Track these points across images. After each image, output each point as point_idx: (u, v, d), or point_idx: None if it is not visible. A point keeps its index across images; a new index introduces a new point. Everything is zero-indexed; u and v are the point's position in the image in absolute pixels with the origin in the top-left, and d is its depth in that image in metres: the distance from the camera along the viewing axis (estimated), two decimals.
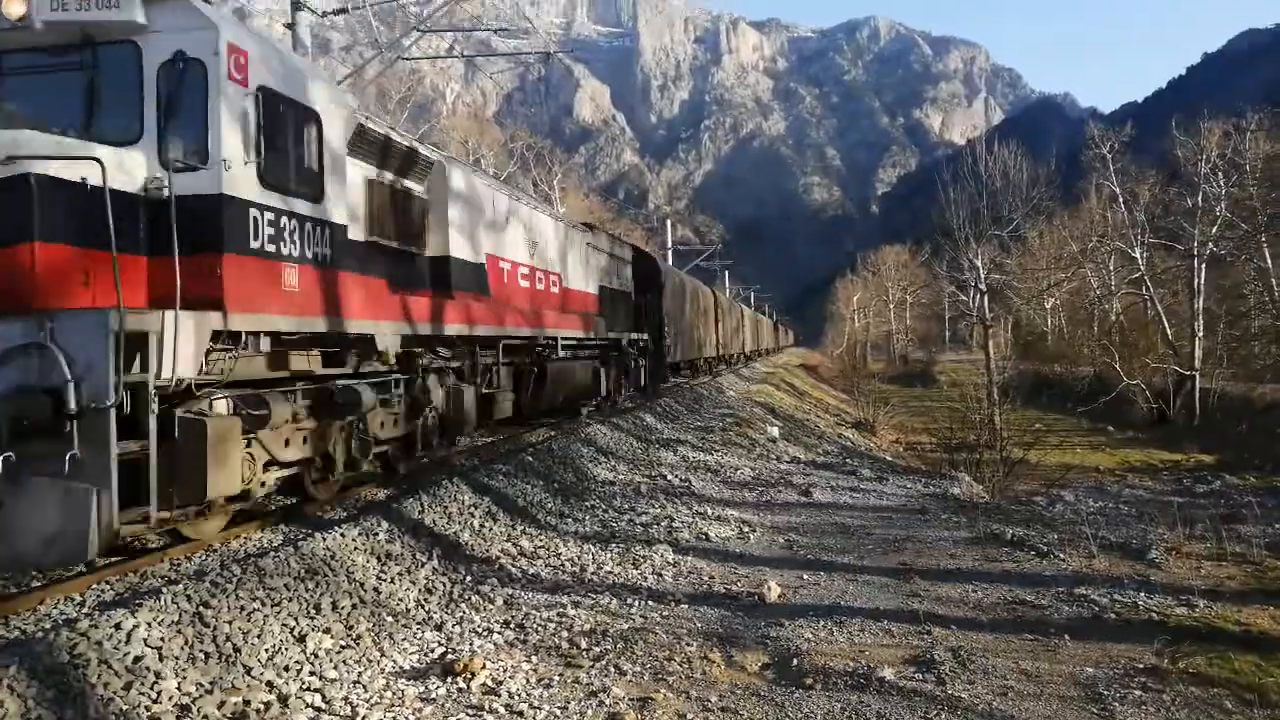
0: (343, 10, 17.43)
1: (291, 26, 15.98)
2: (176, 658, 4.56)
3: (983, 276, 38.55)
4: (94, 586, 5.83)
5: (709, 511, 10.05)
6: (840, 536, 9.21)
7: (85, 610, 5.24)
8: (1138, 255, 44.50)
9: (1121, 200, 46.97)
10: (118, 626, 4.55)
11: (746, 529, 9.32)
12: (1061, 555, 8.27)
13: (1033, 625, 6.22)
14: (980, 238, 38.67)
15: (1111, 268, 50.07)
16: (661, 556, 7.93)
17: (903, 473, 15.69)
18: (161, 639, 4.63)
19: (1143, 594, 6.92)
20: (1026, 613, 6.54)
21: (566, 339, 14.92)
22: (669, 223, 62.94)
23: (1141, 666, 5.41)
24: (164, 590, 5.13)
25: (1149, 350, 41.68)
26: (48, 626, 4.88)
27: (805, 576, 7.51)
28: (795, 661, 5.42)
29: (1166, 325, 43.25)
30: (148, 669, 4.37)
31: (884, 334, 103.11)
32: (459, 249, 10.82)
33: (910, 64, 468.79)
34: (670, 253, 53.83)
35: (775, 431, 20.53)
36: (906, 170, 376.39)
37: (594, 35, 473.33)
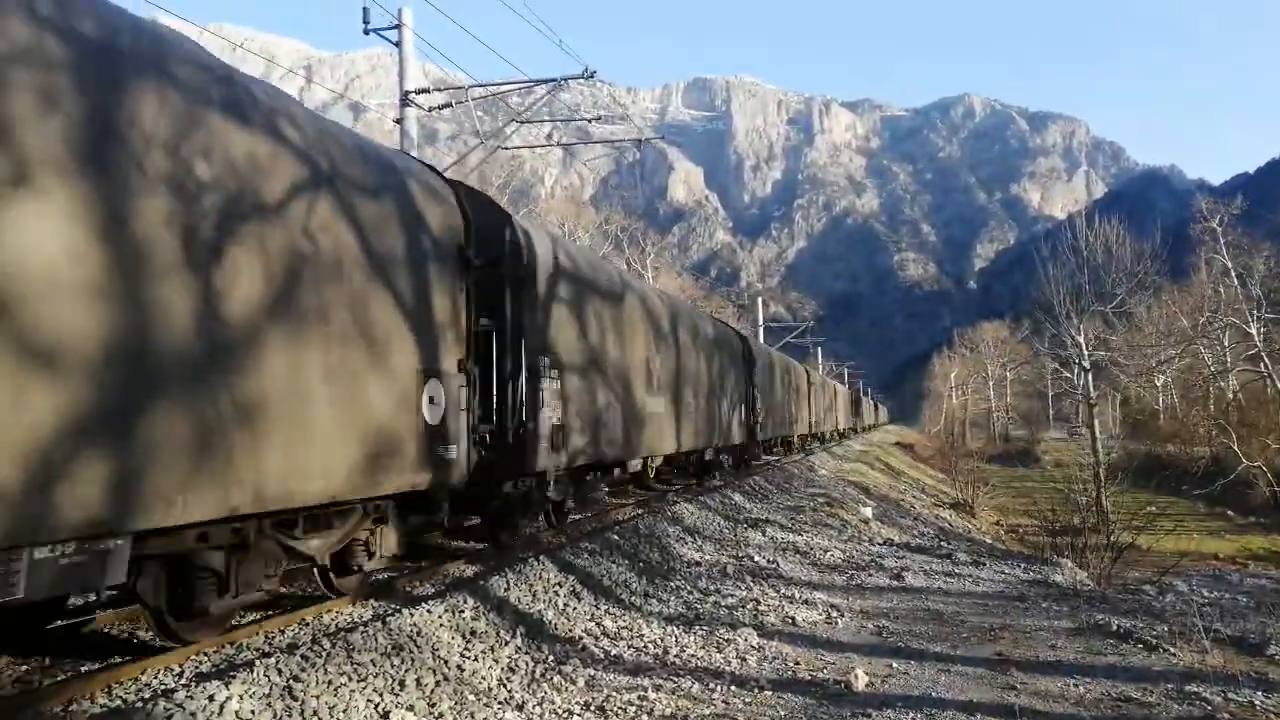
0: (447, 105, 18.33)
1: (400, 121, 16.93)
2: None
3: (1086, 353, 37.37)
4: (193, 658, 6.04)
5: (796, 595, 9.85)
6: (933, 623, 8.90)
7: (183, 681, 5.44)
8: (1254, 331, 42.58)
9: (1235, 274, 45.19)
10: (211, 698, 4.71)
11: (835, 613, 9.10)
12: (1172, 649, 7.82)
13: None
14: (1082, 313, 37.65)
15: (1226, 344, 48.01)
16: (746, 640, 7.80)
17: (1002, 557, 15.10)
18: (252, 711, 4.77)
19: (1260, 693, 6.48)
20: (1132, 710, 6.19)
21: None
22: (760, 300, 62.99)
23: None
24: (257, 663, 5.30)
25: (1270, 430, 39.50)
26: (146, 696, 5.07)
27: (895, 665, 7.28)
28: None
29: None
30: None
31: (983, 411, 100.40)
32: None
33: (1007, 139, 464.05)
34: (762, 330, 53.82)
35: (868, 512, 20.07)
36: (1004, 245, 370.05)
37: (688, 119, 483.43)
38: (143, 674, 5.62)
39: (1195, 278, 53.20)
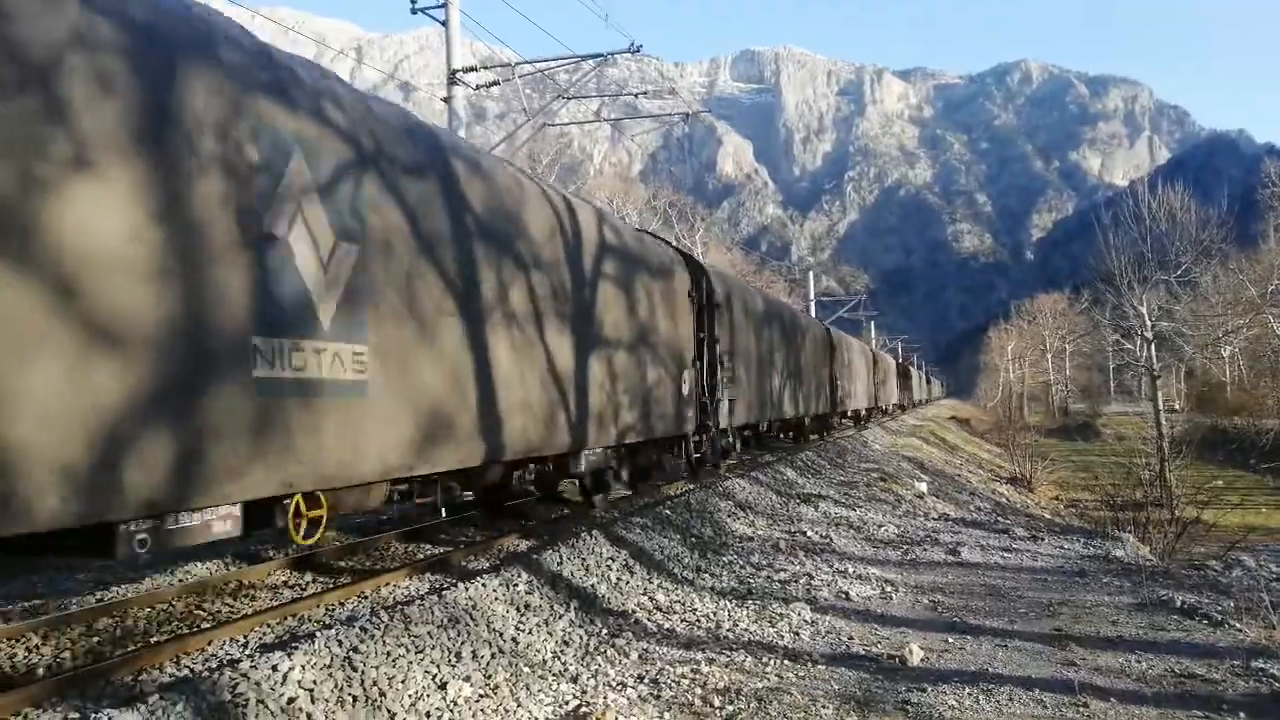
0: (494, 83, 18.34)
1: (448, 100, 16.99)
2: (327, 700, 4.79)
3: (1149, 324, 36.42)
4: (257, 629, 6.20)
5: (850, 569, 9.81)
6: (990, 598, 8.80)
7: (247, 651, 5.59)
8: None
9: None
10: (274, 668, 4.82)
11: (889, 588, 9.04)
12: (1238, 625, 7.64)
13: (1203, 701, 5.76)
14: (1145, 283, 36.69)
15: None
16: (799, 615, 7.78)
17: (1061, 532, 14.84)
18: (314, 681, 4.88)
19: None
20: (1196, 687, 6.07)
21: None
22: (811, 274, 62.40)
23: None
24: (318, 634, 5.42)
25: None
26: (214, 666, 5.22)
27: (950, 640, 7.21)
28: None
29: None
30: (300, 710, 4.62)
31: (1041, 385, 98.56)
32: None
33: (1065, 105, 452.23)
34: (813, 304, 53.34)
35: (923, 487, 19.87)
36: (1063, 215, 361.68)
37: (736, 93, 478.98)
38: (209, 645, 5.78)
39: (1263, 245, 51.55)
